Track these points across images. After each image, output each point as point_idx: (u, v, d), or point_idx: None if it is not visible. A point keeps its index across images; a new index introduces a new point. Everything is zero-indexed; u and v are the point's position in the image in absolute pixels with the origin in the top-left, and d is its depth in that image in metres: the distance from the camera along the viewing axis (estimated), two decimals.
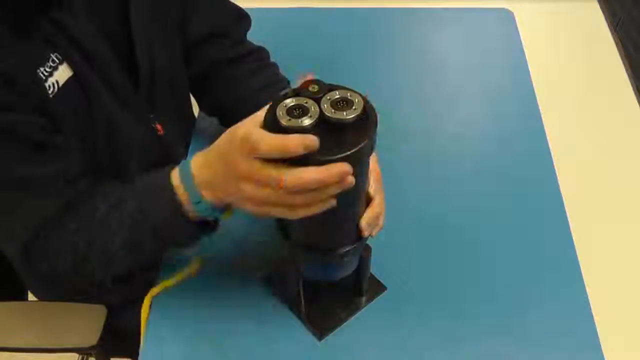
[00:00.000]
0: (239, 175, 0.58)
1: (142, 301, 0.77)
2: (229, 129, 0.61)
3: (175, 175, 0.66)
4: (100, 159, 0.75)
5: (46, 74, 0.65)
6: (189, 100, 0.95)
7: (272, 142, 0.54)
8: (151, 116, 0.82)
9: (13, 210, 0.69)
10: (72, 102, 0.69)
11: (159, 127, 0.83)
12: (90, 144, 0.73)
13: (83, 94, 0.70)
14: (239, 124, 0.59)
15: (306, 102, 0.56)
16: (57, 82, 0.66)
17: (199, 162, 0.65)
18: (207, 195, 0.64)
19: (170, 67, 0.84)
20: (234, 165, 0.58)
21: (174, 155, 0.91)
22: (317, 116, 0.55)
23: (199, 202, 0.64)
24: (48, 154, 0.68)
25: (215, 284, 0.79)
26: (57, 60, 0.66)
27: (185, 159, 0.93)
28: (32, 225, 0.69)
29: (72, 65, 0.67)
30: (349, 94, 0.56)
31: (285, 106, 0.56)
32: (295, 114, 0.55)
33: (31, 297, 1.06)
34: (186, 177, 0.64)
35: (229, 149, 0.59)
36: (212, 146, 0.63)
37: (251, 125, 0.57)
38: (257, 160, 0.56)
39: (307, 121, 0.55)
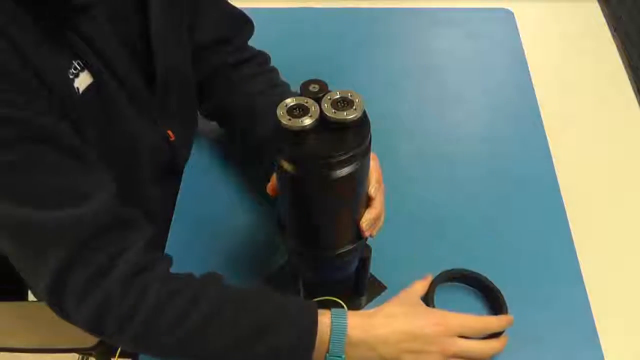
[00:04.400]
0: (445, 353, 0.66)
1: None
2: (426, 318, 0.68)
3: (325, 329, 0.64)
4: (114, 166, 0.75)
5: (70, 79, 0.65)
6: (196, 105, 0.96)
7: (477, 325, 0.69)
8: (163, 122, 0.82)
9: (54, 228, 0.61)
10: (92, 110, 0.68)
11: (170, 133, 0.83)
12: (107, 151, 0.72)
13: (102, 101, 0.69)
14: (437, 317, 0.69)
15: (306, 102, 0.56)
16: (78, 89, 0.66)
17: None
18: None
19: (182, 73, 0.85)
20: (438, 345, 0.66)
21: (180, 159, 0.91)
22: (317, 116, 0.55)
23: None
24: (88, 163, 0.65)
25: None
26: (78, 68, 0.66)
27: (186, 161, 0.93)
28: (74, 242, 0.61)
29: (92, 72, 0.67)
30: (349, 94, 0.57)
31: (286, 106, 0.56)
32: (295, 113, 0.55)
33: (31, 297, 1.06)
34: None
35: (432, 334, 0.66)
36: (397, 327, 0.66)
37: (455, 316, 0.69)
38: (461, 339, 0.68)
39: (307, 121, 0.55)
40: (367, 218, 0.65)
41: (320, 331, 0.63)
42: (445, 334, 0.67)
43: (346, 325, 0.64)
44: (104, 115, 0.71)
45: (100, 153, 0.71)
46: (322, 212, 0.62)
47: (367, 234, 0.65)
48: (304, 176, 0.57)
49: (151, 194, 0.85)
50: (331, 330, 0.64)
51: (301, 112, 0.55)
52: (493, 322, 0.71)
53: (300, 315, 0.64)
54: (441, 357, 0.67)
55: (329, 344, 0.64)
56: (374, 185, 0.65)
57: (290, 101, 0.56)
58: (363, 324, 0.66)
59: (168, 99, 0.82)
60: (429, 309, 0.72)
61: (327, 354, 0.64)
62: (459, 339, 0.68)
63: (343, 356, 0.64)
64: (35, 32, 0.60)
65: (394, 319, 0.67)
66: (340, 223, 0.64)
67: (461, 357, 0.68)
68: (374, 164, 0.66)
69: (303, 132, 0.55)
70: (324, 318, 0.64)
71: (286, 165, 0.56)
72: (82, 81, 0.66)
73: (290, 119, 0.55)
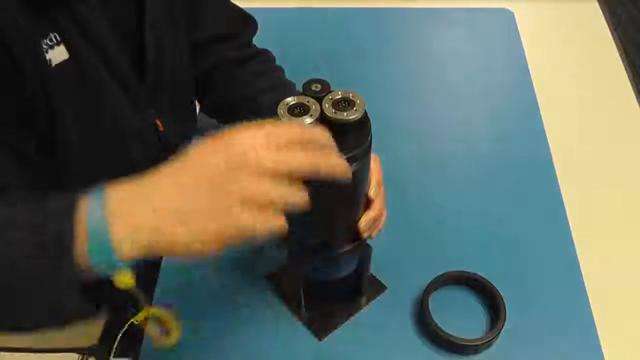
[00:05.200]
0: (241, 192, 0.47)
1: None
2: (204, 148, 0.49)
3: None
4: (101, 148, 0.74)
5: (43, 48, 0.63)
6: (193, 102, 0.95)
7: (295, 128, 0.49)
8: (152, 110, 0.82)
9: None
10: (69, 84, 0.67)
11: (158, 122, 0.83)
12: (90, 131, 0.71)
13: (79, 78, 0.68)
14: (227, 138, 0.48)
15: (307, 101, 0.56)
16: (50, 60, 0.63)
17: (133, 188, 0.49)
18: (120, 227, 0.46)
19: (177, 66, 0.84)
20: (239, 183, 0.47)
21: (171, 154, 0.91)
22: (317, 115, 0.55)
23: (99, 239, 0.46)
24: None
25: (216, 283, 0.79)
26: (54, 40, 0.63)
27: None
28: None
29: (70, 48, 0.65)
30: (351, 95, 0.56)
31: (287, 104, 0.56)
32: (296, 112, 0.55)
33: None
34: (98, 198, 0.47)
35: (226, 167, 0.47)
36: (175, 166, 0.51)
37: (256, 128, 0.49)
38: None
39: (308, 120, 0.55)
40: (365, 219, 0.65)
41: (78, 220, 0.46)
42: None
43: (103, 194, 0.47)
44: (84, 92, 0.69)
45: (83, 132, 0.70)
46: (321, 211, 0.61)
47: (365, 234, 0.65)
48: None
49: None
50: (87, 207, 0.47)
51: (302, 111, 0.55)
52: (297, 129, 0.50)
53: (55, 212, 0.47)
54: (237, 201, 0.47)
55: (86, 225, 0.46)
56: (374, 187, 0.65)
57: (291, 100, 0.56)
58: (128, 184, 0.49)
59: (159, 87, 0.81)
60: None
61: (88, 242, 0.45)
62: (258, 178, 0.47)
63: (107, 230, 0.46)
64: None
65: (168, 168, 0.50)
66: (340, 223, 0.64)
67: (270, 202, 0.48)
68: (375, 166, 0.66)
69: None
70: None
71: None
72: (57, 55, 0.65)
73: (290, 118, 0.55)
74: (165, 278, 0.80)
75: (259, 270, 0.80)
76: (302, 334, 0.74)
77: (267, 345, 0.73)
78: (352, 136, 0.55)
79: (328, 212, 0.61)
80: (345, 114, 0.55)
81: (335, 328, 0.75)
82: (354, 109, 0.55)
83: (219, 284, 0.79)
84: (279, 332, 0.74)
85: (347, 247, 0.66)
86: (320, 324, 0.75)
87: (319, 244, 0.66)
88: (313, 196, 0.60)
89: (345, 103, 0.56)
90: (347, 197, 0.61)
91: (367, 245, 0.70)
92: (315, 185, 0.58)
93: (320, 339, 0.74)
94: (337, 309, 0.76)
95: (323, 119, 0.55)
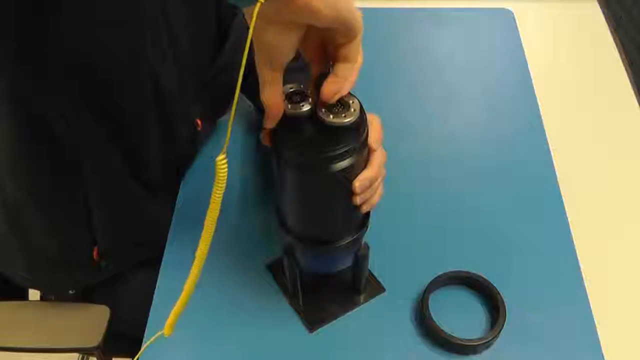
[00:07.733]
0: None
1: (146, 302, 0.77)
2: None
3: None
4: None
5: None
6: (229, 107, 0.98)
7: None
8: (194, 109, 0.82)
9: None
10: None
11: (198, 122, 0.83)
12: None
13: None
14: None
15: (308, 90, 0.56)
16: None
17: None
18: None
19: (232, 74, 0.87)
20: None
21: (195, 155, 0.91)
22: (313, 105, 0.56)
23: None
24: None
25: (215, 272, 0.79)
26: None
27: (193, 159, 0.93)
28: None
29: None
30: (349, 100, 0.57)
31: (287, 89, 0.56)
32: (294, 99, 0.56)
33: (31, 297, 1.06)
34: None
35: None
36: None
37: None
38: None
39: (305, 107, 0.55)
40: (361, 178, 0.59)
41: None
42: None
43: None
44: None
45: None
46: (317, 202, 0.61)
47: (360, 197, 0.60)
48: (298, 163, 0.57)
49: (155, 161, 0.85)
50: None
51: (300, 98, 0.56)
52: None
53: None
54: None
55: None
56: (374, 142, 0.61)
57: (290, 86, 0.56)
58: None
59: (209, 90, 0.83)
60: None
61: None
62: None
63: None
64: None
65: None
66: (336, 215, 0.64)
67: None
68: (376, 125, 0.62)
69: (301, 119, 0.55)
70: None
71: (281, 152, 0.56)
72: None
73: (288, 106, 0.55)
74: (166, 268, 0.80)
75: (260, 259, 0.80)
76: (294, 324, 0.75)
77: (258, 332, 0.74)
78: (348, 134, 0.56)
79: (323, 203, 0.61)
80: (340, 118, 0.55)
81: (327, 321, 0.75)
82: (351, 109, 0.55)
83: (218, 273, 0.79)
84: (271, 320, 0.75)
85: (341, 242, 0.65)
86: (315, 316, 0.75)
87: (313, 236, 0.66)
88: (308, 188, 0.60)
89: (341, 106, 0.56)
90: (344, 190, 0.60)
91: (365, 243, 0.70)
92: (311, 175, 0.58)
93: (311, 331, 0.74)
94: (333, 304, 0.76)
95: (319, 121, 0.55)
